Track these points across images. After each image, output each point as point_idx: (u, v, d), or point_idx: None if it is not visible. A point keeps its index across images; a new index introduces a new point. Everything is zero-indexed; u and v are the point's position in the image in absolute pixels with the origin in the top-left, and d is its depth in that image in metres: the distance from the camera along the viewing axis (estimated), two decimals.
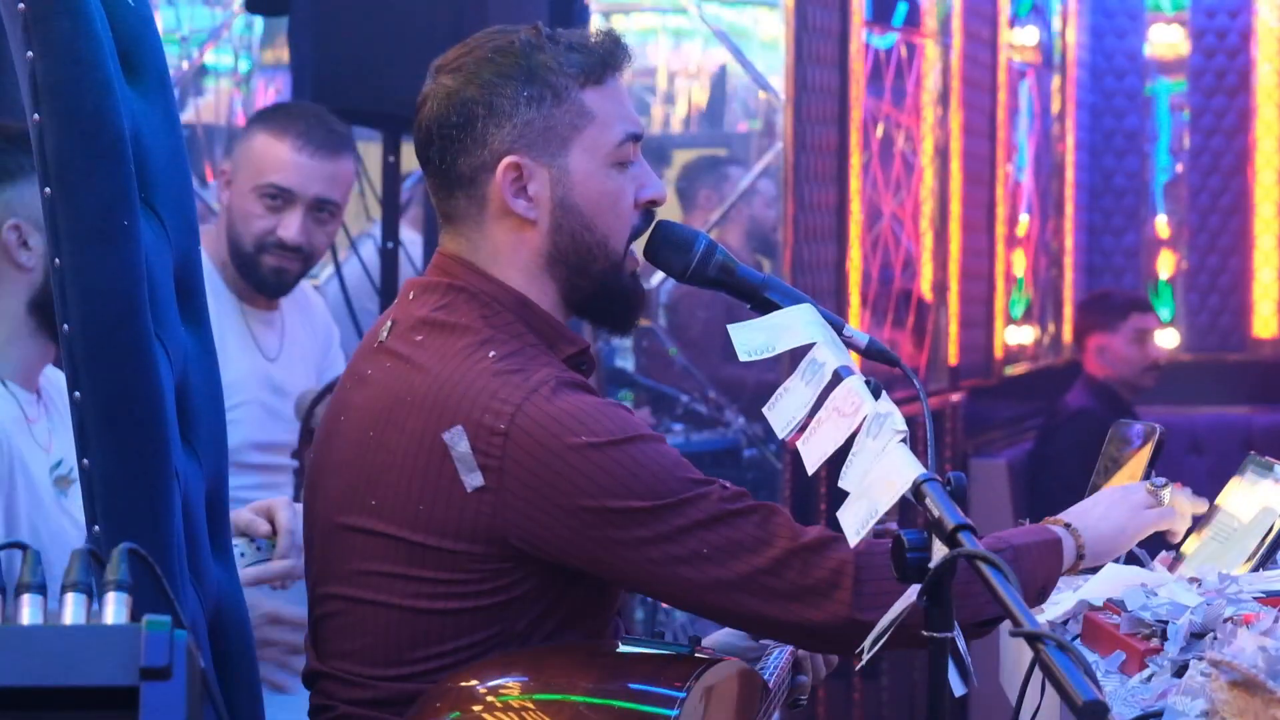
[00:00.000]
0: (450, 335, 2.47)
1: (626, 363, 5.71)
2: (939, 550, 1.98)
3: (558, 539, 2.39)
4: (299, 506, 2.74)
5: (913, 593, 2.05)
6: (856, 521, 2.13)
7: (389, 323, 2.55)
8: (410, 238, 5.06)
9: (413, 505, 2.41)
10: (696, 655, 2.39)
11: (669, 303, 5.72)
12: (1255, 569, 2.73)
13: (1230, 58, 8.58)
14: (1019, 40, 7.75)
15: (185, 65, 5.60)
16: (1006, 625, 2.15)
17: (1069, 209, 8.36)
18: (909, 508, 2.11)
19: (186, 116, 5.63)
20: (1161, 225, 8.76)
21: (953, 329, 6.79)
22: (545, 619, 2.45)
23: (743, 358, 2.40)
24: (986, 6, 7.17)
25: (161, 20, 5.45)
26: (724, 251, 2.61)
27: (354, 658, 2.48)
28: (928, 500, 2.01)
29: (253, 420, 4.10)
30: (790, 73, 5.54)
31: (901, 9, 6.53)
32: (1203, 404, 8.14)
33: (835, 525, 2.21)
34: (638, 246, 2.60)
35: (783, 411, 2.32)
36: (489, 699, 2.30)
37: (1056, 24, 8.19)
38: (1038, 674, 1.79)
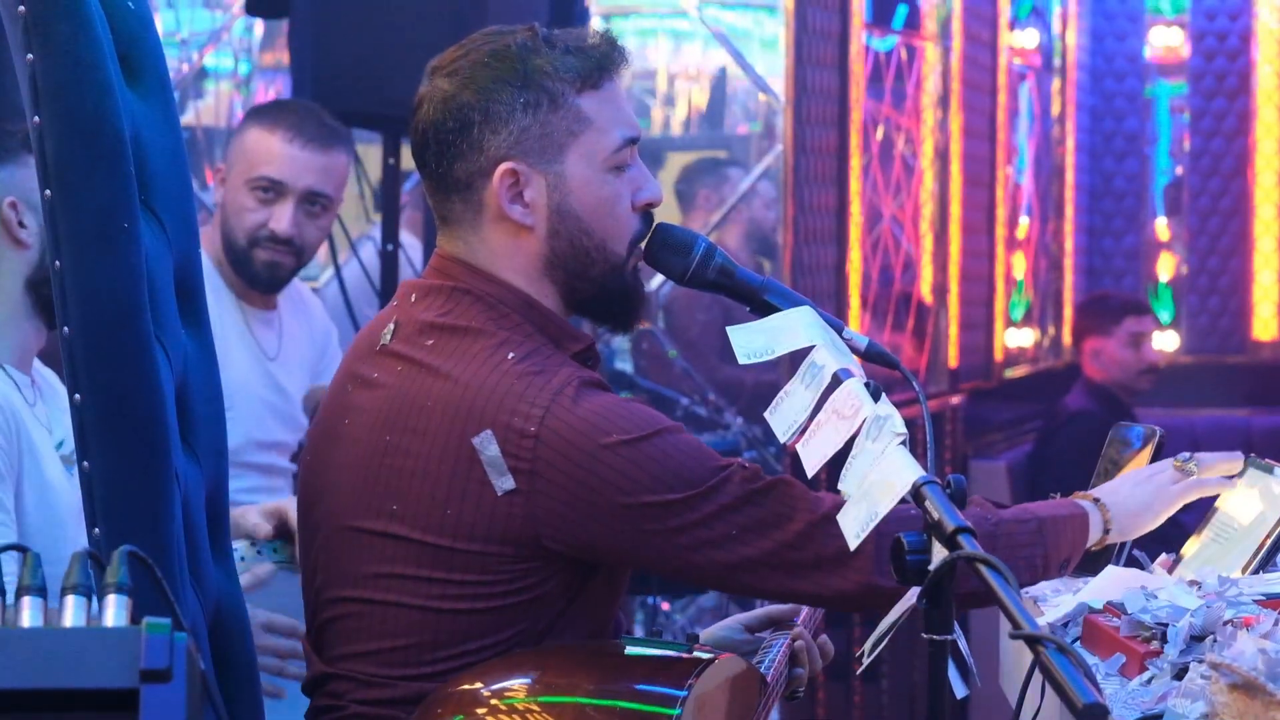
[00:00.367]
0: (464, 339, 2.48)
1: (626, 365, 5.71)
2: (939, 552, 1.98)
3: (594, 536, 2.41)
4: None
5: (913, 595, 2.05)
6: (856, 524, 2.13)
7: (391, 325, 2.55)
8: (408, 241, 5.05)
9: (439, 509, 2.42)
10: (696, 653, 2.41)
11: (668, 305, 5.73)
12: (1255, 571, 2.73)
13: (1230, 60, 8.58)
14: (1019, 43, 7.75)
15: (185, 67, 5.61)
16: (1007, 627, 2.15)
17: (1069, 211, 8.36)
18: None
19: (186, 119, 5.63)
20: (1161, 227, 8.76)
21: (952, 331, 6.79)
22: (564, 615, 2.47)
23: (742, 360, 2.41)
24: (986, 9, 7.17)
25: (161, 22, 5.45)
26: (723, 254, 2.61)
27: (371, 659, 2.48)
28: (927, 503, 2.02)
29: (253, 419, 4.10)
30: (790, 75, 5.54)
31: (901, 11, 6.54)
32: (1202, 406, 8.14)
33: None
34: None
35: (784, 415, 2.32)
36: (493, 702, 2.30)
37: (1056, 26, 8.19)
38: (1038, 676, 1.79)
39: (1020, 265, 7.83)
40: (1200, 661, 2.24)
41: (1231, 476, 2.81)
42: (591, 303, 2.58)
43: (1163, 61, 8.74)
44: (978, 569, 1.87)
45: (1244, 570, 2.73)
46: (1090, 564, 2.69)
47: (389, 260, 4.70)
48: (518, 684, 2.34)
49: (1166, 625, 2.42)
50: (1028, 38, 7.91)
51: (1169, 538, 2.83)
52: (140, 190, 2.32)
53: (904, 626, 2.32)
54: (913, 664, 6.03)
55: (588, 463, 2.39)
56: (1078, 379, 7.10)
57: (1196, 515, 2.89)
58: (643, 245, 2.58)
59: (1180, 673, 2.31)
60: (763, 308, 2.56)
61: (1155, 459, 2.86)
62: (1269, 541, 2.75)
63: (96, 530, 2.28)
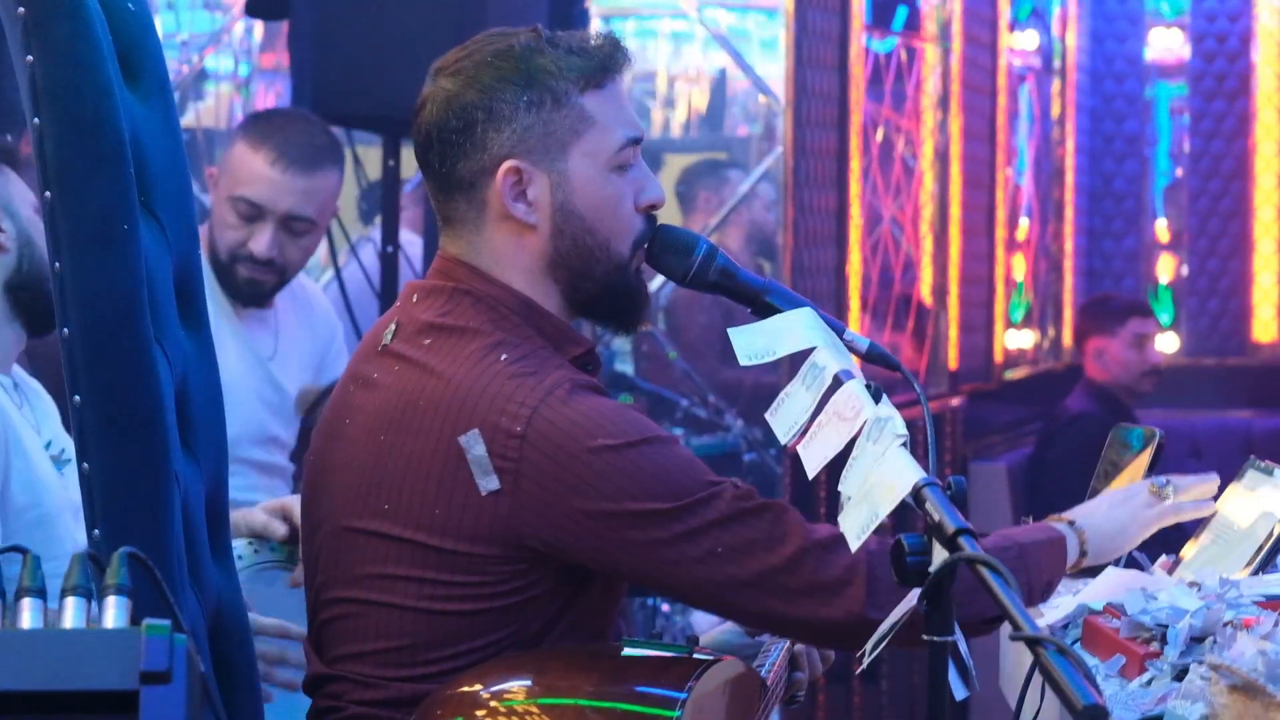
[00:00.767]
0: (460, 339, 2.48)
1: (626, 366, 5.71)
2: (939, 554, 1.98)
3: (577, 541, 2.40)
4: None
5: (914, 597, 2.05)
6: (857, 526, 2.13)
7: (392, 325, 2.55)
8: (409, 239, 5.05)
9: (429, 509, 2.42)
10: (696, 656, 2.40)
11: (669, 306, 5.73)
12: (1255, 573, 2.73)
13: (1230, 62, 8.59)
14: (1019, 44, 7.76)
15: (185, 69, 5.61)
16: (1007, 629, 2.16)
17: (1069, 213, 8.36)
18: (906, 512, 2.10)
19: (186, 120, 5.64)
20: (1161, 229, 8.77)
21: (952, 333, 6.79)
22: (558, 619, 2.46)
23: (743, 362, 2.40)
24: (986, 11, 7.18)
25: (161, 24, 5.45)
26: (724, 256, 2.61)
27: (367, 660, 2.48)
28: (928, 504, 2.01)
29: (250, 415, 4.10)
30: (790, 77, 5.54)
31: (901, 13, 6.54)
32: (1202, 408, 8.14)
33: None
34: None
35: (785, 417, 2.32)
36: (492, 704, 2.30)
37: (1056, 28, 8.19)
38: (1038, 678, 1.79)
39: (1020, 267, 7.83)
40: (1200, 663, 2.24)
41: (1210, 499, 2.80)
42: (595, 303, 2.57)
43: (1163, 63, 8.75)
44: (978, 570, 1.87)
45: (1244, 572, 2.73)
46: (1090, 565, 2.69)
47: (389, 262, 4.70)
48: (517, 686, 2.34)
49: (1166, 627, 2.42)
50: (1028, 39, 7.91)
51: (1169, 539, 2.83)
52: (140, 192, 2.32)
53: (903, 628, 2.32)
54: (912, 666, 6.03)
55: (572, 465, 2.38)
56: (1078, 381, 7.10)
57: None
58: (645, 246, 2.58)
59: (1180, 674, 2.31)
60: (764, 309, 2.56)
61: (1155, 461, 2.86)
62: (1269, 543, 2.75)
63: (96, 531, 2.28)
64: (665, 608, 5.25)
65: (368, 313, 4.73)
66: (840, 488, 2.17)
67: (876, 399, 2.20)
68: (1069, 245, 8.37)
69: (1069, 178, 8.35)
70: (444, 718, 2.30)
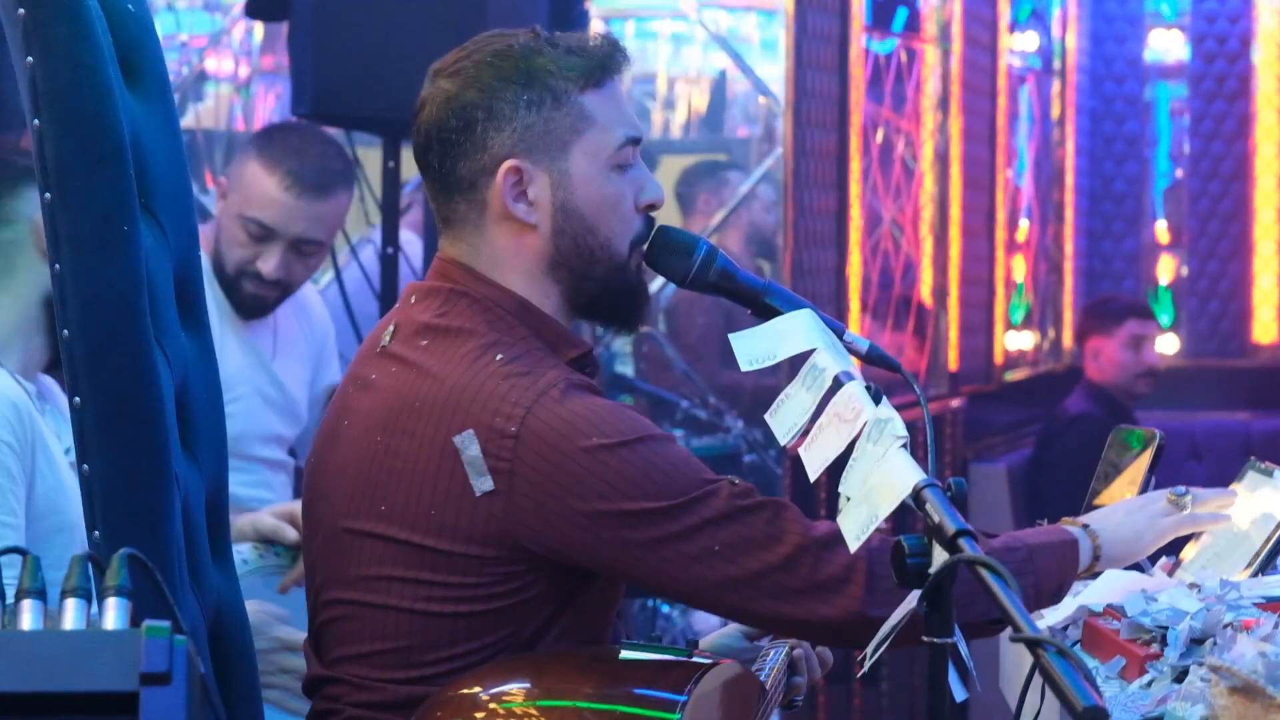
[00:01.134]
0: (455, 339, 2.48)
1: (626, 368, 5.71)
2: (939, 556, 1.98)
3: (572, 541, 2.39)
4: None
5: (914, 598, 2.05)
6: (857, 527, 2.13)
7: (391, 327, 2.55)
8: (409, 239, 5.05)
9: (424, 510, 2.42)
10: (695, 659, 2.40)
11: (669, 308, 5.73)
12: (1255, 574, 2.73)
13: (1230, 63, 8.58)
14: (1019, 45, 7.76)
15: (185, 71, 5.61)
16: (1007, 630, 2.15)
17: (1069, 214, 8.36)
18: (906, 513, 2.10)
19: (186, 122, 5.63)
20: (1161, 230, 8.77)
21: (953, 334, 6.79)
22: (555, 621, 2.46)
23: (744, 367, 2.40)
24: (986, 11, 7.18)
25: (161, 26, 5.43)
26: (724, 257, 2.61)
27: (364, 662, 2.48)
28: (928, 505, 2.01)
29: (251, 412, 4.10)
30: (790, 78, 5.54)
31: (901, 14, 6.54)
32: (1202, 409, 8.14)
33: None
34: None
35: (784, 418, 2.32)
36: (491, 706, 2.30)
37: (1056, 29, 8.19)
38: (1038, 679, 1.79)
39: (1020, 268, 7.83)
40: (1200, 664, 2.24)
41: (1226, 513, 2.81)
42: (596, 303, 2.57)
43: (1163, 64, 8.75)
44: (978, 571, 1.87)
45: (1244, 573, 2.73)
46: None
47: (389, 264, 4.70)
48: (516, 688, 2.34)
49: (1166, 628, 2.42)
50: (1027, 40, 7.91)
51: (1169, 541, 2.83)
52: (140, 193, 2.32)
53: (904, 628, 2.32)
54: (912, 667, 6.03)
55: (566, 464, 2.37)
56: (1078, 382, 7.10)
57: None
58: (644, 247, 2.58)
59: (1180, 676, 2.31)
60: (764, 311, 2.56)
61: (1155, 462, 2.87)
62: (1269, 545, 2.75)
63: (96, 533, 2.28)
64: (665, 610, 5.25)
65: (368, 314, 4.73)
66: (840, 489, 2.17)
67: (876, 400, 2.20)
68: (1069, 246, 8.37)
69: (1069, 179, 8.35)
70: (443, 719, 2.30)
